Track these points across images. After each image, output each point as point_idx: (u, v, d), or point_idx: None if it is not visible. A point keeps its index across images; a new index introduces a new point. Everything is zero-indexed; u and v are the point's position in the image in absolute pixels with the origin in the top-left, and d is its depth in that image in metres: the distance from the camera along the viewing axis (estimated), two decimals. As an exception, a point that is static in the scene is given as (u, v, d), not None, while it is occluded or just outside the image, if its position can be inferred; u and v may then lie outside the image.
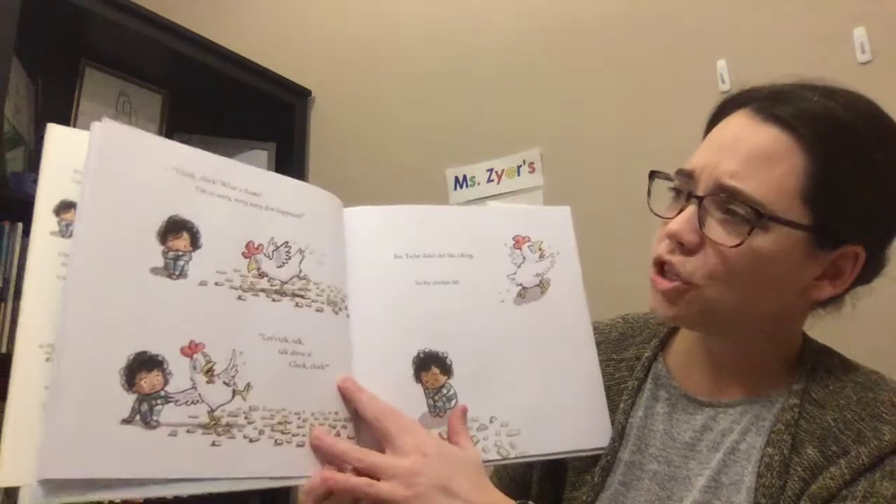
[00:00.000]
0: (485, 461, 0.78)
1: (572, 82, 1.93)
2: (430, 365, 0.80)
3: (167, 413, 0.63)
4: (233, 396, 0.67)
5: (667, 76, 1.76)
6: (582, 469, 0.86)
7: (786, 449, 0.73)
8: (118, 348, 0.62)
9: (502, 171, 2.01)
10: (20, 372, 0.61)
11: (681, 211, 0.77)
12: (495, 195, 2.01)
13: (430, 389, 0.79)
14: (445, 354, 0.81)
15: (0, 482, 0.58)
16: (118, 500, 0.66)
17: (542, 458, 0.83)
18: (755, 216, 0.71)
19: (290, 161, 2.39)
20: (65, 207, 0.67)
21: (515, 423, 0.81)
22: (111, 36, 2.01)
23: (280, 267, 0.75)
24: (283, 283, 0.75)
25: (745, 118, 0.77)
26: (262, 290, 0.73)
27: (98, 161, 0.66)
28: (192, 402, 0.65)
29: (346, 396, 0.75)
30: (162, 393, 0.63)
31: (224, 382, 0.67)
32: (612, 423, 0.86)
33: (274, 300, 0.74)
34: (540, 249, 0.89)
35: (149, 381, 0.63)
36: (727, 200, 0.73)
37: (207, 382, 0.66)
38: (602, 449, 0.84)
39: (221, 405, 0.66)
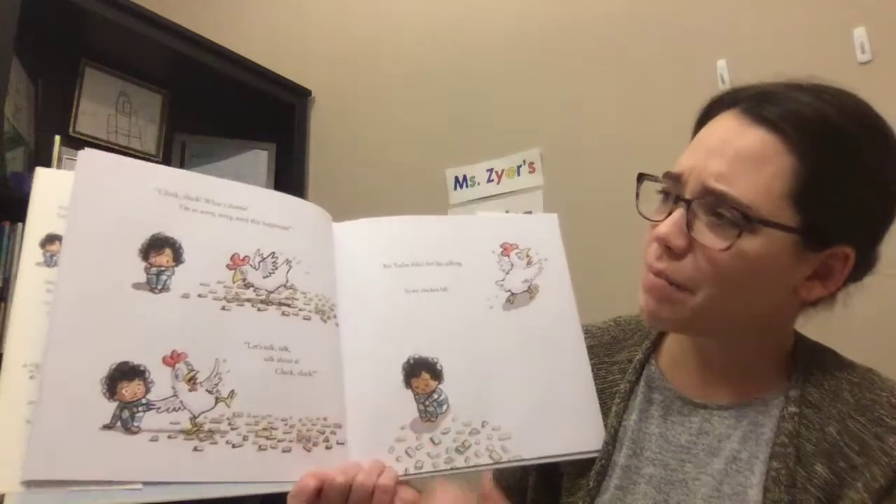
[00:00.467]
0: (477, 466, 0.78)
1: (572, 82, 1.92)
2: (420, 371, 0.81)
3: (148, 419, 0.66)
4: (215, 403, 0.69)
5: (667, 76, 1.75)
6: (577, 474, 0.86)
7: (791, 462, 0.73)
8: (100, 359, 0.66)
9: (502, 171, 2.01)
10: (5, 389, 0.65)
11: (669, 214, 0.77)
12: (495, 195, 2.01)
13: (421, 395, 0.80)
14: (436, 360, 0.82)
15: None
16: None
17: (535, 461, 0.83)
18: (743, 219, 0.71)
19: (290, 161, 2.40)
20: (50, 240, 0.72)
21: (507, 427, 0.81)
22: (111, 36, 2.02)
23: (266, 277, 0.78)
24: (270, 292, 0.77)
25: (733, 120, 0.76)
26: (248, 300, 0.76)
27: (84, 186, 0.71)
28: (174, 409, 0.67)
29: None
30: (143, 400, 0.66)
31: (207, 390, 0.69)
32: (606, 426, 0.86)
33: (259, 309, 0.76)
34: (528, 256, 0.90)
35: (130, 389, 0.66)
36: (715, 204, 0.73)
37: (189, 390, 0.69)
38: (595, 452, 0.84)
39: (204, 412, 0.69)
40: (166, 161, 2.30)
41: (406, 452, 0.77)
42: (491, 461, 0.79)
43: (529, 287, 0.89)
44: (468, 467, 0.78)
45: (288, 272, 0.79)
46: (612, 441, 0.85)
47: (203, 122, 2.41)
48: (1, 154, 1.68)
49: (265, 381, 0.73)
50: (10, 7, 1.63)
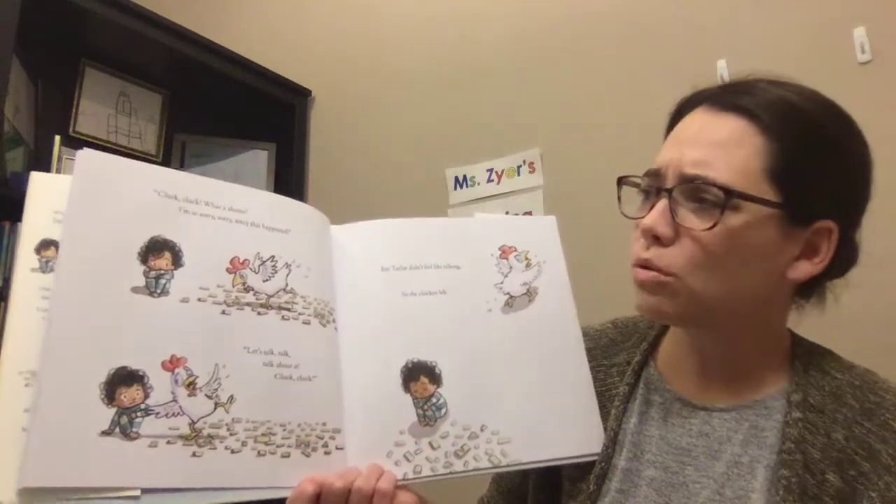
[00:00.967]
0: (476, 470, 0.78)
1: (572, 82, 1.92)
2: (418, 375, 0.80)
3: (147, 425, 0.65)
4: (215, 409, 0.69)
5: (667, 76, 1.75)
6: (577, 477, 0.86)
7: (799, 469, 0.73)
8: (98, 364, 0.65)
9: (502, 171, 2.01)
10: (1, 397, 0.64)
11: (652, 208, 0.78)
12: (495, 195, 2.00)
13: (420, 399, 0.80)
14: (434, 364, 0.81)
15: None
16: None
17: (535, 465, 0.83)
18: (724, 197, 0.73)
19: (290, 161, 2.40)
20: (45, 246, 0.71)
21: (506, 431, 0.81)
22: (111, 36, 2.02)
23: (266, 281, 0.77)
24: (269, 296, 0.77)
25: (704, 112, 0.79)
26: (248, 304, 0.75)
27: (81, 187, 0.70)
28: (173, 415, 0.67)
29: None
30: (142, 406, 0.66)
31: (206, 395, 0.69)
32: (605, 429, 0.85)
33: (259, 314, 0.75)
34: (526, 259, 0.90)
35: (129, 395, 0.65)
36: (695, 189, 0.75)
37: (189, 395, 0.68)
38: (595, 455, 0.84)
39: (203, 417, 0.68)
40: (166, 161, 2.30)
41: (405, 457, 0.77)
42: (490, 465, 0.79)
43: (528, 290, 0.89)
44: (467, 472, 0.78)
45: (287, 276, 0.79)
46: (612, 444, 0.84)
47: (203, 122, 2.41)
48: (1, 154, 1.68)
49: (264, 387, 0.73)
50: (10, 7, 1.63)
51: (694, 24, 1.74)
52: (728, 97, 0.78)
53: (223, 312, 0.73)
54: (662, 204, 0.77)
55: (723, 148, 0.75)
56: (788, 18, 1.60)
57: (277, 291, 0.77)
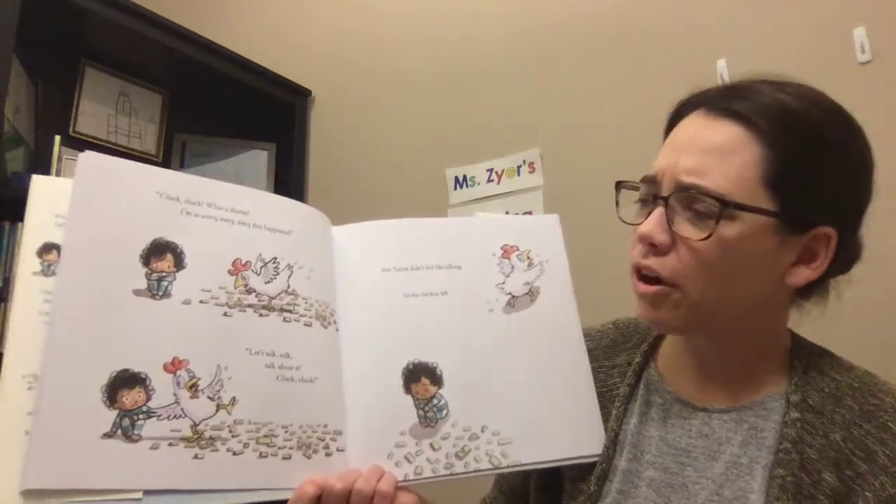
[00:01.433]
0: (476, 471, 0.78)
1: (572, 82, 1.92)
2: (419, 376, 0.80)
3: (149, 427, 0.65)
4: (216, 411, 0.69)
5: (667, 76, 1.75)
6: (578, 478, 0.86)
7: (795, 468, 0.73)
8: (100, 366, 0.66)
9: (502, 171, 2.01)
10: (4, 400, 0.64)
11: (649, 215, 0.78)
12: (495, 195, 2.00)
13: (421, 400, 0.80)
14: (435, 365, 0.81)
15: None
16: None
17: (535, 466, 0.83)
18: (719, 208, 0.72)
19: (290, 161, 2.39)
20: (47, 249, 0.71)
21: (507, 432, 0.81)
22: (111, 36, 2.01)
23: (268, 283, 0.77)
24: (272, 298, 0.77)
25: (700, 117, 0.78)
26: (250, 306, 0.75)
27: (83, 190, 0.70)
28: (175, 417, 0.67)
29: None
30: (144, 408, 0.66)
31: (208, 397, 0.69)
32: (606, 430, 0.86)
33: (261, 315, 0.75)
34: (528, 258, 0.90)
35: (131, 397, 0.65)
36: (690, 198, 0.74)
37: (191, 397, 0.68)
38: (596, 456, 0.84)
39: (205, 419, 0.68)
40: (166, 161, 2.30)
41: (405, 458, 0.77)
42: (490, 466, 0.79)
43: (530, 289, 0.88)
44: (468, 473, 0.78)
45: (289, 277, 0.79)
46: (613, 445, 0.85)
47: (203, 122, 2.40)
48: (1, 154, 1.68)
49: (266, 388, 0.73)
50: (10, 7, 1.63)
51: (694, 24, 1.74)
52: (725, 102, 0.77)
53: (225, 314, 0.73)
54: (659, 212, 0.77)
55: (718, 155, 0.74)
56: (788, 18, 1.59)
57: (279, 293, 0.77)
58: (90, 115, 2.09)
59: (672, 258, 0.76)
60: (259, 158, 2.39)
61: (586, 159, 1.86)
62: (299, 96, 2.43)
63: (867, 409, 0.75)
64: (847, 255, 0.80)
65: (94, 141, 2.09)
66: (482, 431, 0.80)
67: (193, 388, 0.68)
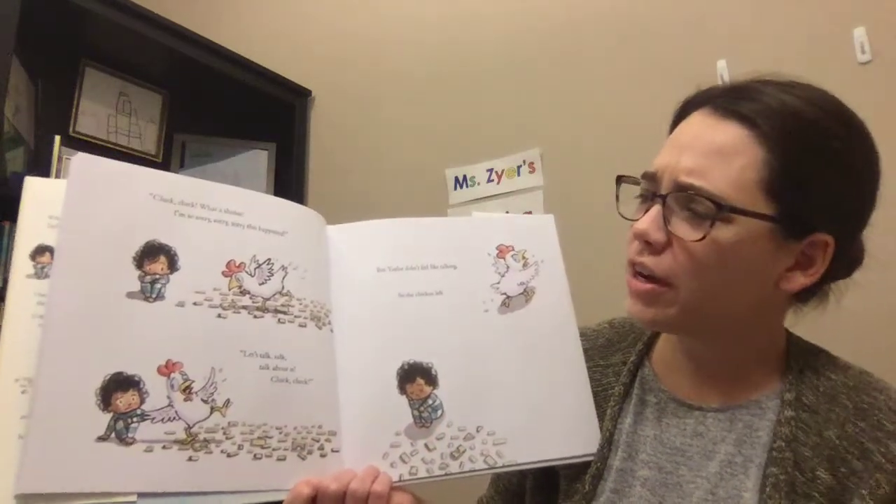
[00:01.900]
0: (472, 471, 0.78)
1: (572, 82, 1.92)
2: (414, 376, 0.80)
3: (143, 430, 0.65)
4: (211, 413, 0.69)
5: (667, 76, 1.75)
6: (573, 478, 0.86)
7: (789, 466, 0.73)
8: (94, 370, 0.65)
9: (502, 171, 2.01)
10: None
11: (647, 212, 0.78)
12: (495, 195, 2.01)
13: (416, 400, 0.79)
14: (430, 365, 0.81)
15: None
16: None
17: (530, 466, 0.82)
18: (715, 210, 0.72)
19: (290, 161, 2.40)
20: (40, 251, 0.70)
21: (502, 432, 0.81)
22: (111, 36, 2.02)
23: (262, 284, 0.77)
24: (266, 299, 0.76)
25: (705, 116, 0.77)
26: (244, 307, 0.75)
27: (76, 192, 0.70)
28: (169, 419, 0.67)
29: None
30: (138, 411, 0.66)
31: (202, 399, 0.69)
32: (601, 429, 0.85)
33: (256, 317, 0.75)
34: (524, 258, 0.90)
35: (125, 400, 0.65)
36: (688, 198, 0.74)
37: (185, 400, 0.68)
38: (591, 456, 0.84)
39: (199, 422, 0.68)
40: (166, 161, 2.30)
41: (401, 458, 0.77)
42: (486, 466, 0.79)
43: (525, 289, 0.88)
44: (463, 473, 0.78)
45: (284, 278, 0.78)
46: (608, 444, 0.84)
47: (203, 122, 2.41)
48: (1, 154, 1.69)
49: (261, 390, 0.73)
50: (10, 7, 1.63)
51: (694, 24, 1.74)
52: (730, 102, 0.76)
53: (219, 316, 0.73)
54: (656, 210, 0.76)
55: (719, 157, 0.73)
56: (788, 18, 1.60)
57: (274, 294, 0.77)
58: (90, 115, 2.10)
59: (667, 257, 0.75)
60: (259, 158, 2.39)
61: (586, 159, 1.86)
62: (299, 96, 2.44)
63: (862, 407, 0.74)
64: (847, 261, 0.79)
65: (94, 141, 2.09)
66: (477, 431, 0.80)
67: (187, 391, 0.68)
